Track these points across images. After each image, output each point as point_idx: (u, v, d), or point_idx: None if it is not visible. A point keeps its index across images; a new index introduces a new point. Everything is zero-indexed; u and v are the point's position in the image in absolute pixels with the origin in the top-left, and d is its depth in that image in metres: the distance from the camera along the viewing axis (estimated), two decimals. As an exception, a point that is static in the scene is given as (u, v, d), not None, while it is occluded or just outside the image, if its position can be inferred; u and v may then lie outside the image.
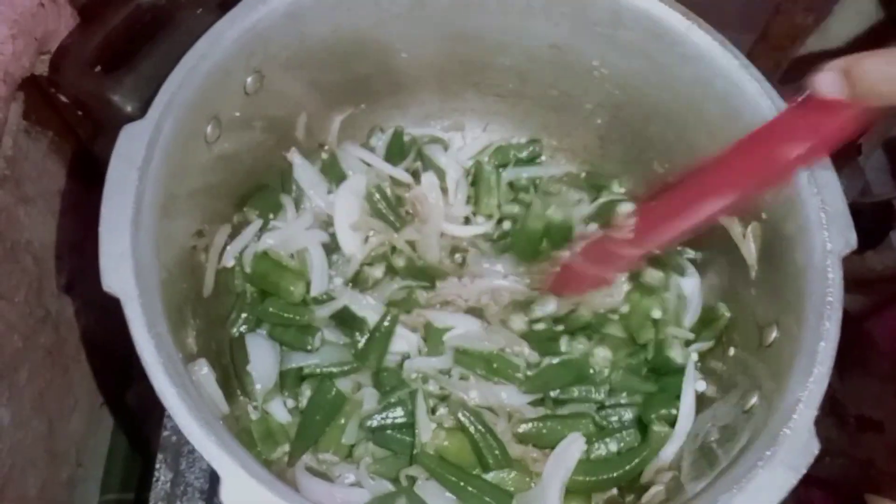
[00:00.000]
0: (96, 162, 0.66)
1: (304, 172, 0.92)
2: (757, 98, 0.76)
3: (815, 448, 0.61)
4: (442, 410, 0.82)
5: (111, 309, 0.59)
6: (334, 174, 0.94)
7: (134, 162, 0.65)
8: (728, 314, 0.84)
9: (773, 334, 0.74)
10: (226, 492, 0.56)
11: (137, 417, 0.97)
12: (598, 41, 0.84)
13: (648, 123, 0.89)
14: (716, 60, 0.78)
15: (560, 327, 0.88)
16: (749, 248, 0.80)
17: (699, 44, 0.79)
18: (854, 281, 0.99)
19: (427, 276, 0.91)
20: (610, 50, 0.85)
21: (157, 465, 0.82)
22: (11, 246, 0.76)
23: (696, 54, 0.79)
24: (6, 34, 0.70)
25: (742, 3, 1.22)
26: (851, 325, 0.70)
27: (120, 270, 0.61)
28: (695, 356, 0.85)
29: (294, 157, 0.91)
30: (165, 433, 0.83)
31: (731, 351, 0.81)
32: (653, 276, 0.88)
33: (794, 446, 0.62)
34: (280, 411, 0.81)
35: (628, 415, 0.84)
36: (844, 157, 0.93)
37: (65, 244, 0.85)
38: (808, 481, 0.61)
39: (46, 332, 0.83)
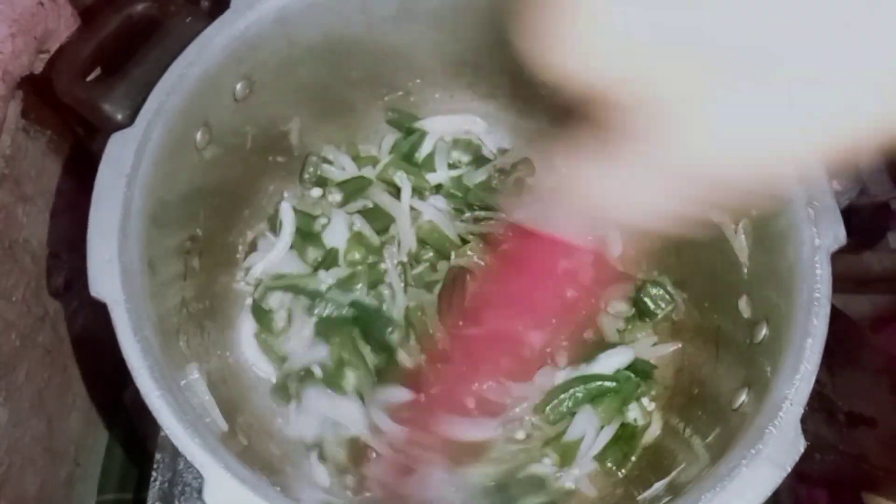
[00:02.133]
0: (95, 161, 0.67)
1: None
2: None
3: (801, 445, 0.61)
4: None
5: (109, 308, 0.61)
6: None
7: (122, 169, 0.67)
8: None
9: (763, 332, 0.73)
10: (209, 492, 0.57)
11: (135, 417, 0.98)
12: (587, 41, 0.84)
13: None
14: (703, 57, 0.78)
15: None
16: (741, 245, 0.79)
17: (686, 41, 0.78)
18: (852, 281, 0.98)
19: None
20: (599, 49, 0.84)
21: (155, 465, 0.83)
22: (10, 245, 0.77)
23: (683, 51, 0.79)
24: (6, 33, 0.72)
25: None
26: (842, 321, 0.69)
27: (107, 276, 0.62)
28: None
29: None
30: (163, 433, 0.84)
31: (722, 350, 0.81)
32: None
33: (780, 444, 0.61)
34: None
35: None
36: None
37: (63, 243, 0.86)
38: (808, 481, 0.61)
39: (45, 330, 0.84)
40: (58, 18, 0.77)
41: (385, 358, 0.87)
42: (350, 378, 0.84)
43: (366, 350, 0.86)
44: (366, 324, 0.88)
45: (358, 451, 0.82)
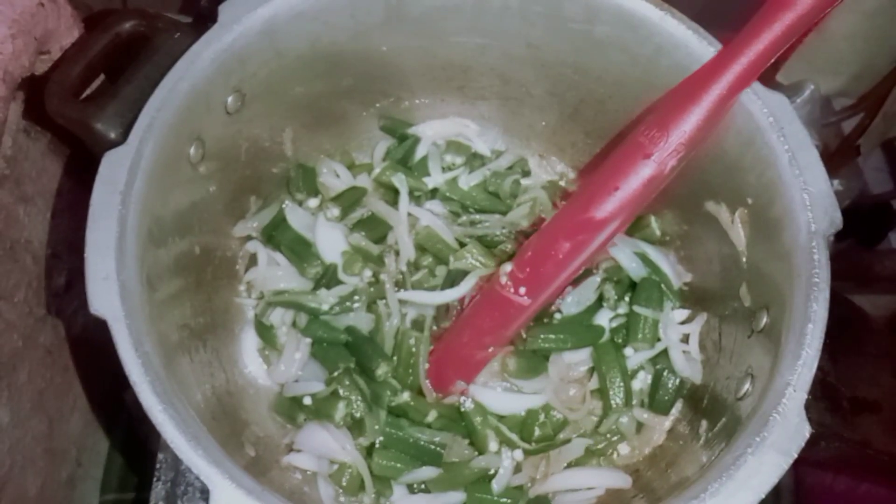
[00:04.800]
0: (96, 161, 0.67)
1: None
2: (733, 83, 0.75)
3: (805, 431, 0.61)
4: None
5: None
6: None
7: (116, 186, 0.67)
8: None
9: (764, 319, 0.73)
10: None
11: (137, 417, 0.98)
12: (574, 38, 0.84)
13: (633, 115, 0.89)
14: (691, 49, 0.78)
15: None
16: (738, 234, 0.80)
17: (674, 33, 0.78)
18: (853, 281, 0.99)
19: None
20: (587, 46, 0.85)
21: (158, 465, 0.83)
22: (11, 245, 0.77)
23: (671, 44, 0.79)
24: (6, 34, 0.72)
25: (741, 4, 1.21)
26: (843, 305, 0.69)
27: (105, 294, 0.62)
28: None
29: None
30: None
31: (724, 339, 0.81)
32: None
33: (785, 430, 0.61)
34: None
35: None
36: (843, 158, 0.92)
37: (64, 243, 0.86)
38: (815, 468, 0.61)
39: (46, 331, 0.84)
40: (58, 19, 0.77)
41: (377, 387, 0.86)
42: (340, 409, 0.83)
43: (361, 382, 0.86)
44: (359, 353, 0.88)
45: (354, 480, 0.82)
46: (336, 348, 0.88)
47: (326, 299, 0.89)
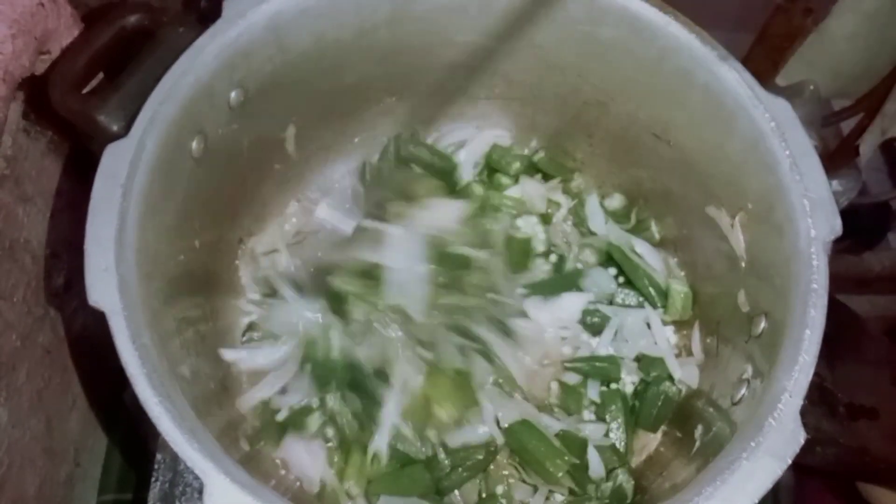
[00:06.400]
0: (95, 161, 0.67)
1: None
2: (736, 87, 0.76)
3: (801, 437, 0.61)
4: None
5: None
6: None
7: (117, 179, 0.67)
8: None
9: (762, 325, 0.73)
10: (209, 498, 0.57)
11: (135, 417, 0.97)
12: (579, 40, 0.85)
13: (635, 118, 0.89)
14: (695, 52, 0.78)
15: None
16: (737, 239, 0.80)
17: (678, 37, 0.78)
18: (852, 281, 0.99)
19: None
20: (592, 48, 0.85)
21: (156, 466, 0.83)
22: (10, 245, 0.77)
23: (675, 47, 0.79)
24: (6, 33, 0.71)
25: (740, 4, 1.22)
26: (841, 311, 0.69)
27: (104, 285, 0.62)
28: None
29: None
30: (164, 434, 0.84)
31: (721, 344, 0.81)
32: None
33: (780, 436, 0.61)
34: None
35: None
36: (842, 158, 0.92)
37: (63, 243, 0.86)
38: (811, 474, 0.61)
39: (45, 331, 0.83)
40: (58, 19, 0.77)
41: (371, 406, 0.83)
42: (315, 419, 0.82)
43: (354, 398, 0.83)
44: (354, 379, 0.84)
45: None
46: (331, 370, 0.84)
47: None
